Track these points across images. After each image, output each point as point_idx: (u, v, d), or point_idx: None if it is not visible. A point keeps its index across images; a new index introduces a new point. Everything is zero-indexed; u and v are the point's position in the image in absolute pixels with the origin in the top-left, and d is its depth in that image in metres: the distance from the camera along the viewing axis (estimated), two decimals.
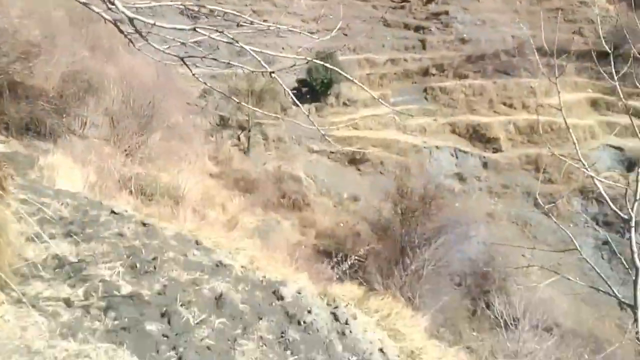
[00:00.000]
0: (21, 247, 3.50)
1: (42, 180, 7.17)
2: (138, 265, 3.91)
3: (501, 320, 12.81)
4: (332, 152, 25.58)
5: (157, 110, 15.98)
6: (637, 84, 6.18)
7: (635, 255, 7.23)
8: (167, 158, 15.91)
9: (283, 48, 31.18)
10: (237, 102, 3.46)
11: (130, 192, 11.00)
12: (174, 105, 18.14)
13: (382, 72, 33.07)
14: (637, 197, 6.92)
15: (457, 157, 28.25)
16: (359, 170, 27.12)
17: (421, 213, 17.33)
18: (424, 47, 34.76)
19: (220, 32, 2.10)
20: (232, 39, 2.12)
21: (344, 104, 30.66)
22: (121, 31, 2.10)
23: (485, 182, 27.24)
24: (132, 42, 2.17)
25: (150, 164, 14.29)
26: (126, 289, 3.50)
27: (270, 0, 35.50)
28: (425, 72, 33.02)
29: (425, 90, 32.01)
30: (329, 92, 30.38)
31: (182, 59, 2.30)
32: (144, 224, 5.07)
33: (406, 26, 36.25)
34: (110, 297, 3.37)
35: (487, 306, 16.46)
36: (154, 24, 2.00)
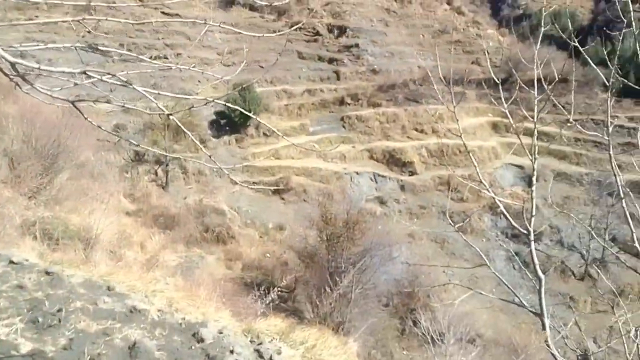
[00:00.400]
0: None
1: None
2: (40, 319, 3.61)
3: (428, 337, 13.23)
4: (255, 183, 25.44)
5: (64, 149, 14.99)
6: (523, 110, 6.89)
7: (537, 267, 7.90)
8: (77, 198, 14.88)
9: (199, 81, 30.83)
10: (137, 145, 3.34)
11: (35, 237, 10.12)
12: (84, 142, 17.12)
13: (299, 103, 33.78)
14: (533, 213, 7.63)
15: (376, 182, 29.32)
16: (282, 199, 27.17)
17: (346, 238, 17.57)
18: (338, 78, 36.11)
19: (113, 75, 2.05)
20: (126, 81, 2.08)
21: (264, 134, 30.77)
22: (6, 74, 1.99)
23: (404, 204, 28.44)
24: (18, 85, 2.05)
25: (57, 206, 13.28)
26: (26, 347, 3.20)
27: (184, 33, 35.13)
28: (341, 102, 34.25)
29: (342, 118, 33.15)
30: (248, 124, 30.35)
31: (72, 102, 2.20)
32: (48, 273, 4.70)
33: (320, 58, 37.52)
34: (7, 357, 3.07)
35: (415, 324, 16.94)
36: (39, 68, 1.92)
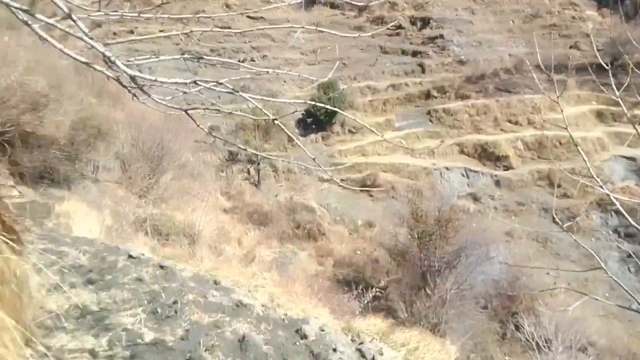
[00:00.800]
0: (43, 299, 3.45)
1: (59, 229, 7.18)
2: (159, 310, 3.83)
3: (533, 343, 12.40)
4: (343, 180, 25.54)
5: (167, 151, 16.13)
6: (638, 96, 6.11)
7: None
8: (180, 197, 15.96)
9: (285, 81, 31.63)
10: (244, 150, 3.42)
11: (146, 233, 10.99)
12: (183, 144, 18.32)
13: (384, 98, 33.32)
14: None
15: (468, 177, 28.03)
16: (371, 196, 26.97)
17: (438, 236, 16.99)
18: (423, 71, 35.10)
19: (219, 83, 2.16)
20: (232, 89, 2.17)
21: (350, 131, 30.81)
22: (124, 86, 2.16)
23: (499, 200, 26.90)
24: (136, 96, 2.23)
25: (163, 204, 14.33)
26: (149, 336, 3.41)
27: (269, 35, 36.22)
28: (427, 95, 33.24)
29: (429, 112, 32.15)
30: (333, 121, 30.61)
31: (185, 111, 2.37)
32: (162, 267, 5.01)
33: (404, 52, 36.74)
34: (134, 345, 3.29)
35: (517, 328, 15.90)
36: (156, 79, 2.08)
